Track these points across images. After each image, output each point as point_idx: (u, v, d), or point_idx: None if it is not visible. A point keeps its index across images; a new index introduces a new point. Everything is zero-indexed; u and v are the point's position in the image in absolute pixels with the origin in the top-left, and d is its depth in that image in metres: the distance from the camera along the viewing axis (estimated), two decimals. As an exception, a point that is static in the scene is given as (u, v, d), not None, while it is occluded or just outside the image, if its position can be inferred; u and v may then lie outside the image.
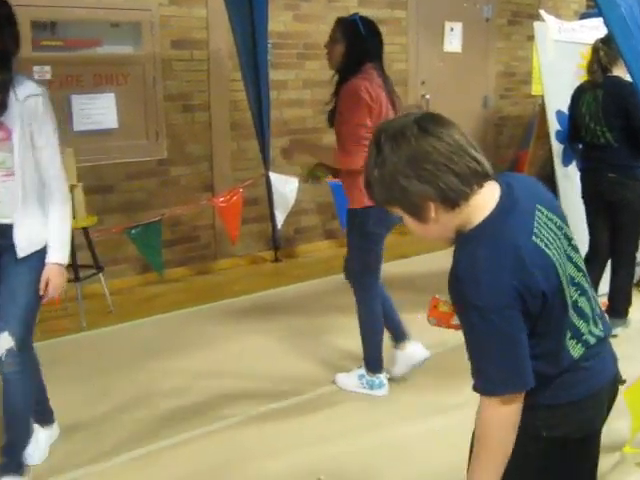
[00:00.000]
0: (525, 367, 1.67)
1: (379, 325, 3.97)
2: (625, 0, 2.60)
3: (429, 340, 4.54)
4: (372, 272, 3.89)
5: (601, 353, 1.84)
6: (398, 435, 3.53)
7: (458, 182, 1.68)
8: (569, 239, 1.82)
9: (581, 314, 1.80)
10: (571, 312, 1.76)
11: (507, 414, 1.69)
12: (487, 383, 1.68)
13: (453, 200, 1.69)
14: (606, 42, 4.34)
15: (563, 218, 1.84)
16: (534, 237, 1.71)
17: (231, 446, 3.47)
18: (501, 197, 1.74)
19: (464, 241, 1.73)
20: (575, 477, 1.87)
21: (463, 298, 1.67)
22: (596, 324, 1.84)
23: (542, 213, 1.77)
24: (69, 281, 5.10)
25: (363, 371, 4.02)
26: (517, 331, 1.65)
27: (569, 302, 1.75)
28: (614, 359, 1.91)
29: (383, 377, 4.02)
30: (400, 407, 3.82)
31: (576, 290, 1.79)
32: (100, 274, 5.18)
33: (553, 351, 1.74)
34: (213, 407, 3.85)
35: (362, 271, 3.88)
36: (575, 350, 1.77)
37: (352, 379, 4.04)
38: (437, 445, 3.42)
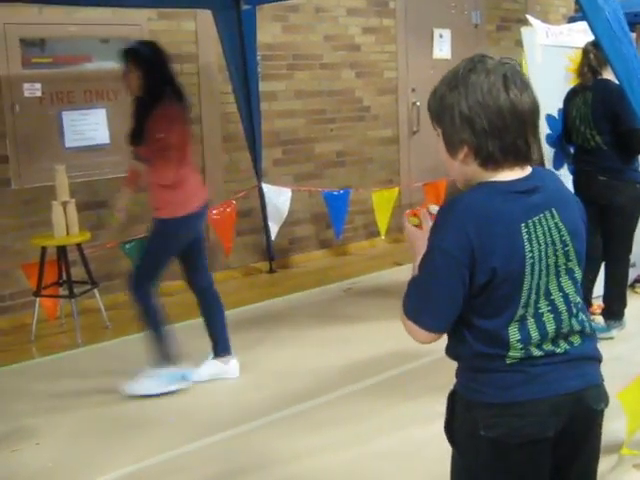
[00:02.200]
0: (440, 315, 1.79)
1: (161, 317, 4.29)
2: (609, 3, 2.62)
3: (425, 346, 4.54)
4: (158, 278, 4.26)
5: (559, 366, 1.82)
6: (397, 443, 3.53)
7: (498, 148, 1.73)
8: (569, 259, 1.82)
9: (540, 326, 1.80)
10: (528, 315, 1.78)
11: (414, 335, 1.85)
12: (407, 305, 1.85)
13: (484, 158, 1.75)
14: (596, 45, 4.36)
15: (576, 240, 1.83)
16: (523, 225, 1.75)
17: (224, 459, 3.46)
18: (520, 180, 1.78)
19: (471, 189, 1.80)
20: None
21: (431, 234, 1.78)
22: (556, 343, 1.82)
23: (552, 218, 1.79)
24: (64, 297, 5.12)
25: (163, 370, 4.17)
26: (452, 283, 1.73)
27: (522, 301, 1.77)
28: (585, 379, 1.85)
29: (188, 369, 4.25)
30: (399, 414, 3.81)
31: (547, 305, 1.80)
32: (95, 290, 5.17)
33: (491, 333, 1.78)
34: (207, 421, 3.84)
35: (150, 277, 4.18)
36: (515, 352, 1.78)
37: (153, 381, 4.14)
38: (435, 452, 3.40)
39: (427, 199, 6.96)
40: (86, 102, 5.59)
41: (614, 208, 4.44)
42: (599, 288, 4.68)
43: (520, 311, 1.77)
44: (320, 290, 6.03)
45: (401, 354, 4.53)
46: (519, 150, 1.76)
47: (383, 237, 7.02)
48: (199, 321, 5.35)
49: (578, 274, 1.86)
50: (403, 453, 3.42)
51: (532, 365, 1.79)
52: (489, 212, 1.73)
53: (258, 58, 6.24)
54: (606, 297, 4.65)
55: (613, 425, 3.29)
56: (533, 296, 1.78)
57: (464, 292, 1.74)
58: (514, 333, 1.77)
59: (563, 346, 1.82)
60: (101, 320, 5.24)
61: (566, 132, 4.73)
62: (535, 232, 1.76)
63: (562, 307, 1.82)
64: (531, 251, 1.75)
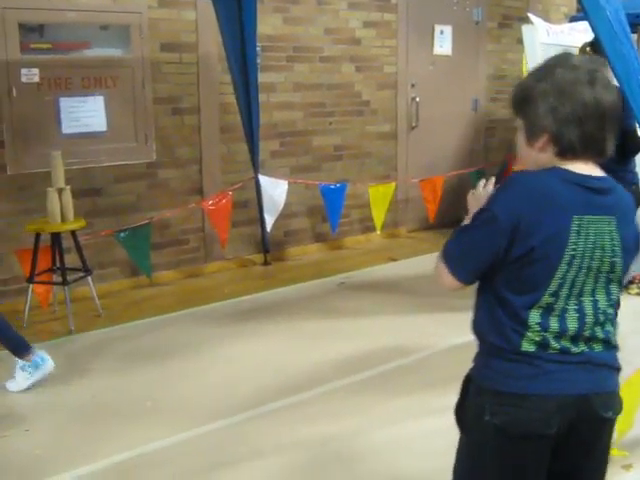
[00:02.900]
0: (465, 265, 1.89)
1: None
2: (610, 3, 2.61)
3: (418, 342, 4.55)
4: None
5: (573, 367, 1.85)
6: (388, 438, 3.52)
7: (578, 137, 1.81)
8: (613, 270, 1.86)
9: (561, 321, 1.83)
10: (555, 307, 1.82)
11: (440, 276, 1.93)
12: (444, 247, 1.93)
13: (563, 147, 1.83)
14: (592, 46, 4.35)
15: (625, 256, 1.87)
16: (576, 217, 1.80)
17: (211, 451, 3.46)
18: (592, 177, 1.86)
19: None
20: (522, 477, 1.91)
21: (492, 194, 1.88)
22: (575, 343, 1.85)
23: (609, 225, 1.84)
24: (57, 284, 5.11)
25: (20, 362, 4.08)
26: (487, 245, 1.82)
27: (551, 289, 1.81)
28: (597, 384, 1.88)
29: (40, 352, 4.13)
30: (391, 409, 3.81)
31: (575, 305, 1.84)
32: (88, 277, 5.16)
33: (515, 309, 1.83)
34: (199, 410, 3.83)
35: None
36: (533, 335, 1.82)
37: (19, 376, 4.08)
38: (425, 448, 3.41)
39: (424, 195, 6.96)
40: (84, 89, 5.56)
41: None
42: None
43: (547, 298, 1.81)
44: (314, 283, 6.03)
45: (394, 349, 4.53)
46: (597, 142, 1.84)
47: (379, 232, 7.02)
48: (195, 310, 5.39)
49: (615, 287, 1.89)
50: (393, 449, 3.42)
51: (546, 360, 1.83)
52: (547, 194, 1.80)
53: (258, 49, 6.22)
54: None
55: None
56: (565, 290, 1.81)
57: (494, 258, 1.81)
58: (534, 316, 1.82)
59: (581, 348, 1.85)
60: (94, 308, 5.22)
61: None
62: (587, 229, 1.80)
63: (589, 311, 1.85)
64: (575, 244, 1.79)
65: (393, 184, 6.94)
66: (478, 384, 1.92)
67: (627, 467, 3.22)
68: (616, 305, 1.92)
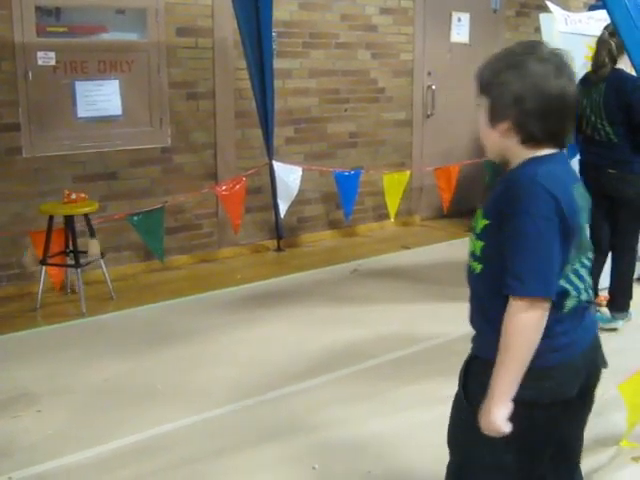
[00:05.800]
0: (552, 277, 1.82)
1: None
2: (629, -9, 2.59)
3: (430, 330, 4.55)
4: None
5: (582, 322, 1.95)
6: (400, 424, 3.53)
7: (540, 130, 1.86)
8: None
9: (580, 277, 1.93)
10: (574, 268, 1.91)
11: (533, 317, 1.80)
12: (521, 285, 1.80)
13: (525, 137, 1.88)
14: (614, 34, 4.30)
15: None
16: (573, 186, 1.90)
17: (223, 434, 3.47)
18: (556, 153, 1.93)
19: (525, 162, 1.90)
20: (541, 443, 1.95)
21: (517, 205, 1.80)
22: (587, 291, 1.97)
23: (579, 189, 1.94)
24: (70, 267, 5.14)
25: None
26: (554, 241, 1.80)
27: (575, 253, 1.90)
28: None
29: None
30: (402, 397, 3.81)
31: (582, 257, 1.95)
32: (101, 260, 5.18)
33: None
34: (210, 394, 3.85)
35: None
36: (571, 301, 1.90)
37: None
38: (431, 438, 3.40)
39: (439, 184, 6.94)
40: (100, 73, 5.57)
41: (623, 201, 4.40)
42: (605, 279, 4.67)
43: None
44: (327, 270, 6.03)
45: (405, 337, 4.53)
46: (557, 134, 1.90)
47: (392, 220, 7.01)
48: (207, 295, 5.41)
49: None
50: (404, 435, 3.42)
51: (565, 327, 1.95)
52: (557, 176, 1.86)
53: (273, 35, 6.21)
54: (612, 289, 4.63)
55: (613, 416, 3.30)
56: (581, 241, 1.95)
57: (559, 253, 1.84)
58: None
59: (589, 294, 2.01)
60: (106, 291, 5.25)
61: (577, 121, 4.65)
62: (578, 193, 1.92)
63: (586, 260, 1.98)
64: (581, 207, 1.90)
65: (408, 172, 6.92)
66: None
67: (637, 459, 3.21)
68: None
